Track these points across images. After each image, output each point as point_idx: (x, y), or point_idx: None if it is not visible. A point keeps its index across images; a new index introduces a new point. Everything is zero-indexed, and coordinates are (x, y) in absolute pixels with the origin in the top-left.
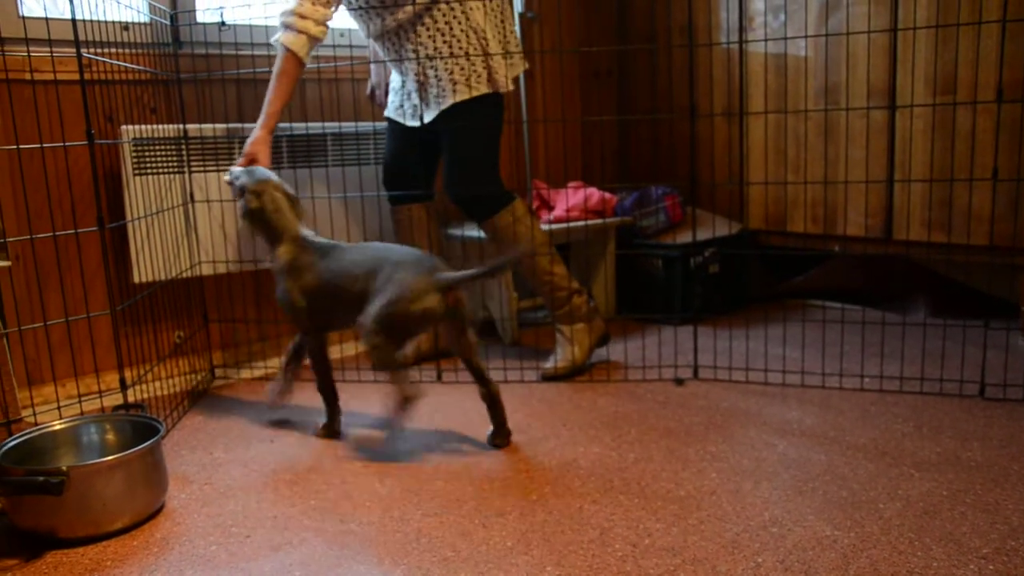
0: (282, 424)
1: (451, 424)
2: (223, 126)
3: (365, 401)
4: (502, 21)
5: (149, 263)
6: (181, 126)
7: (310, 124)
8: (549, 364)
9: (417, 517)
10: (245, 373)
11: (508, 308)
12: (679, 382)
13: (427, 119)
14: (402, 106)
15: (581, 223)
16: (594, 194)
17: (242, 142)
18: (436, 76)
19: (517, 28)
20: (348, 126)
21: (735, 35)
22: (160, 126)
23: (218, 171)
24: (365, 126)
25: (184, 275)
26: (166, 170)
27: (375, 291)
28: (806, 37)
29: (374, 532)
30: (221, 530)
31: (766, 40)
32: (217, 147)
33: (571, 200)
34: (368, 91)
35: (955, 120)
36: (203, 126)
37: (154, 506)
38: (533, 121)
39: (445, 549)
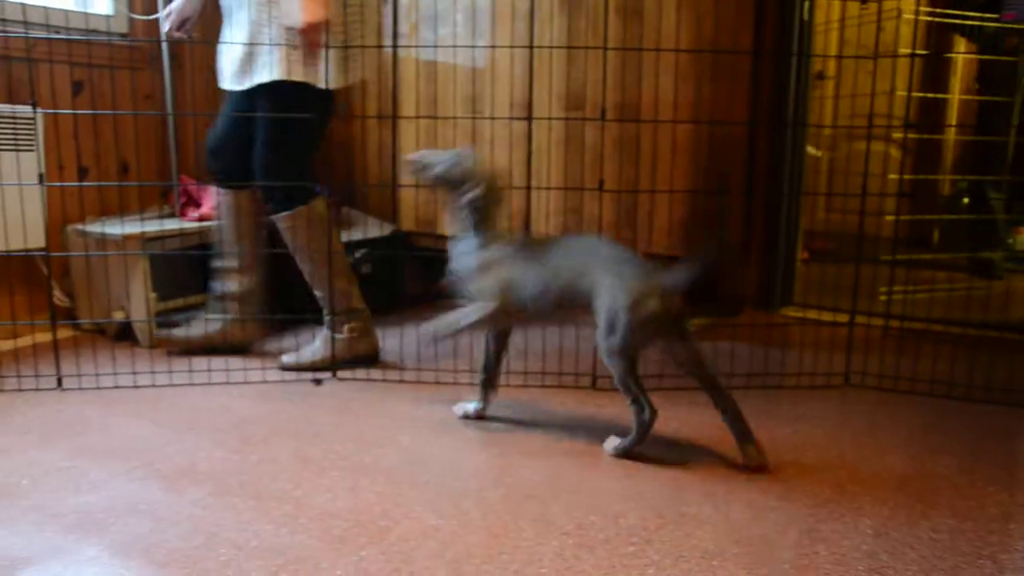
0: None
1: None
2: None
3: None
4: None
5: None
6: None
7: None
8: (290, 359)
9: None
10: None
11: (146, 309)
12: (317, 382)
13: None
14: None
15: None
16: None
17: None
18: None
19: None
20: None
21: (390, 41)
22: None
23: None
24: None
25: None
26: None
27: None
28: (455, 47)
29: None
30: None
31: (417, 47)
32: None
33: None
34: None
35: (584, 134)
36: None
37: None
38: (181, 114)
39: (28, 569)
